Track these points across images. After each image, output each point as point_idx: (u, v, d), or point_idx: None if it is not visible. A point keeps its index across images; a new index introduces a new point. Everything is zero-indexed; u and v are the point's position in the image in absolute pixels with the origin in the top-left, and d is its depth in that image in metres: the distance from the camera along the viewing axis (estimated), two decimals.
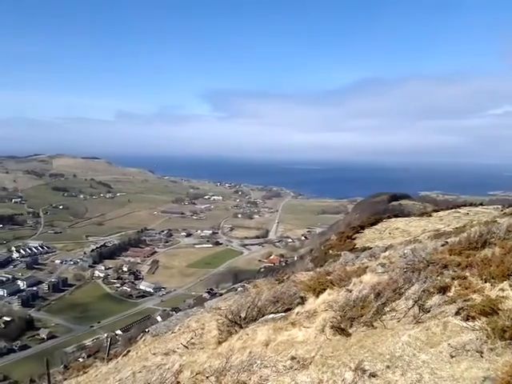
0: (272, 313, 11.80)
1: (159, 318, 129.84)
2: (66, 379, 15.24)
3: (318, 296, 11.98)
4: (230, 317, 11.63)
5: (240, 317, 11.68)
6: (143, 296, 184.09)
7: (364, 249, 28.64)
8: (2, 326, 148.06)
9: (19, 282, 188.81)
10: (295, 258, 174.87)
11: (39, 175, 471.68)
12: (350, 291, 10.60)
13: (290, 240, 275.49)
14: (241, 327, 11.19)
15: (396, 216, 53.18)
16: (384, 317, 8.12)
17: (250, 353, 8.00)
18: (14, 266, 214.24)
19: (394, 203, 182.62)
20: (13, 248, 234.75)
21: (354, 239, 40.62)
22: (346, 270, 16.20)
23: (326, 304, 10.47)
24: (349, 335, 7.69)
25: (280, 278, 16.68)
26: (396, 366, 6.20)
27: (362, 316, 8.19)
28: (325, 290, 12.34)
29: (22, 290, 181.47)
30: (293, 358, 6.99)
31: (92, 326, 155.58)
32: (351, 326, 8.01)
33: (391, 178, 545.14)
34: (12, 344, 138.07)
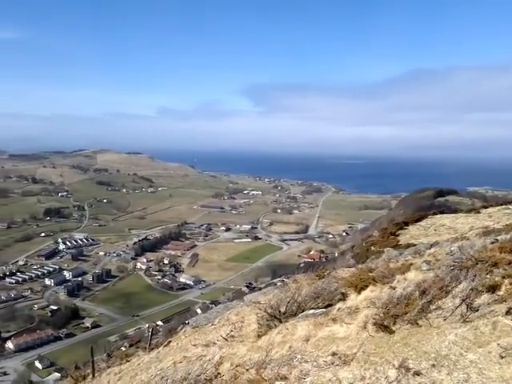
0: (312, 308, 11.75)
1: (199, 311, 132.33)
2: (109, 367, 15.77)
3: (359, 293, 11.83)
4: (269, 311, 11.68)
5: (279, 311, 11.70)
6: (183, 288, 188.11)
7: (408, 246, 27.95)
8: (49, 314, 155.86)
9: (65, 273, 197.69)
10: (336, 254, 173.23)
11: (84, 170, 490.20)
12: (394, 288, 10.38)
13: (330, 236, 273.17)
14: (280, 322, 11.21)
15: (442, 212, 51.39)
16: (429, 315, 7.91)
17: (290, 347, 8.01)
18: (61, 257, 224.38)
19: (440, 199, 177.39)
20: (59, 240, 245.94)
21: (398, 236, 39.69)
22: (389, 266, 15.89)
23: (369, 301, 10.31)
24: (392, 333, 7.54)
25: (320, 273, 16.54)
26: (442, 365, 6.02)
27: (406, 313, 8.01)
28: (367, 286, 12.16)
29: (68, 281, 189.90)
30: (334, 354, 6.93)
31: (137, 315, 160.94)
32: (395, 324, 7.85)
33: (437, 173, 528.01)
34: (58, 332, 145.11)
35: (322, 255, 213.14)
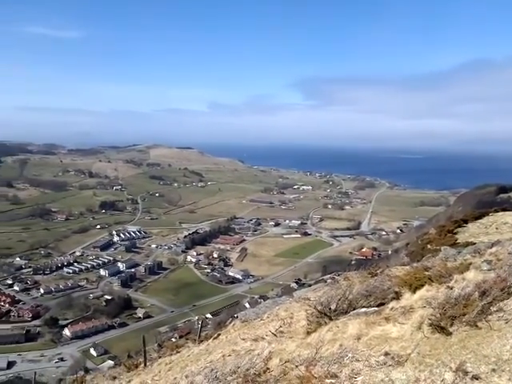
0: (364, 307, 11.56)
1: (247, 305, 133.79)
2: (160, 357, 16.30)
3: (414, 292, 11.49)
4: (319, 308, 11.60)
5: (330, 308, 11.60)
6: (232, 282, 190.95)
7: (467, 244, 26.78)
8: (104, 303, 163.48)
9: (119, 264, 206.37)
10: (389, 252, 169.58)
11: (138, 164, 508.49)
12: (451, 288, 10.00)
13: (383, 233, 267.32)
14: (330, 319, 11.12)
15: (505, 210, 48.59)
16: (490, 317, 7.55)
17: (341, 345, 7.93)
18: (115, 249, 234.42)
19: (502, 195, 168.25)
20: (114, 232, 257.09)
21: (456, 234, 38.08)
22: (446, 266, 15.31)
23: (424, 300, 10.00)
24: (449, 334, 7.28)
25: (373, 271, 16.23)
26: (503, 370, 5.74)
27: (464, 315, 7.70)
28: (422, 285, 11.79)
29: (122, 272, 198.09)
30: (386, 354, 6.79)
31: (194, 305, 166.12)
32: (452, 325, 7.57)
33: (500, 169, 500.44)
34: (112, 321, 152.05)
35: (374, 253, 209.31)
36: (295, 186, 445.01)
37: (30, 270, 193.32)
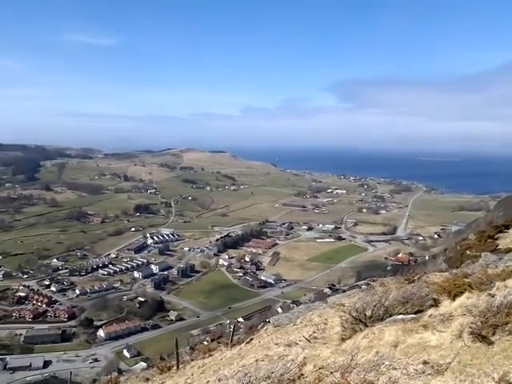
0: (400, 313, 11.32)
1: (280, 310, 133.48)
2: (193, 360, 16.46)
3: (453, 299, 11.16)
4: (354, 314, 11.44)
5: (365, 315, 11.42)
6: (264, 286, 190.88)
7: (508, 250, 25.81)
8: (137, 305, 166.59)
9: (152, 266, 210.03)
10: (426, 258, 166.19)
11: (171, 168, 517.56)
12: (493, 296, 9.67)
13: (420, 238, 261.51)
14: (366, 326, 10.95)
15: None
16: None
17: (377, 353, 7.79)
18: (148, 252, 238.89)
19: None
20: (148, 234, 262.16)
21: (497, 239, 36.76)
22: (486, 272, 14.81)
23: (464, 308, 9.70)
24: (491, 343, 7.03)
25: (410, 277, 15.87)
26: None
27: (507, 324, 7.43)
28: (462, 293, 11.44)
29: (155, 274, 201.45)
30: (425, 363, 6.62)
31: (230, 307, 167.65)
32: (494, 334, 7.31)
33: None
34: (145, 323, 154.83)
35: (410, 258, 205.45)
36: (329, 190, 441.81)
37: (66, 271, 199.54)
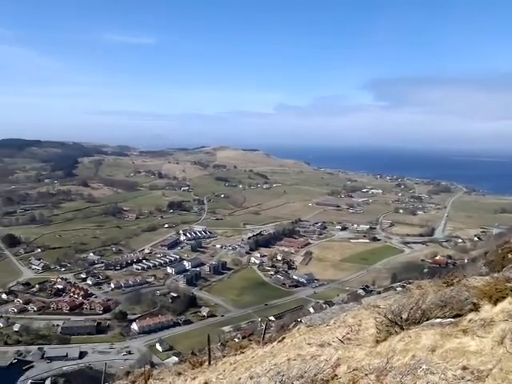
0: (438, 317, 11.07)
1: (312, 310, 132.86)
2: (224, 356, 16.57)
3: (495, 304, 10.80)
4: (389, 316, 11.25)
5: (401, 318, 11.22)
6: (296, 286, 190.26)
7: None
8: (170, 300, 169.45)
9: (185, 263, 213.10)
10: (465, 261, 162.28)
11: (204, 166, 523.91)
12: None
13: (459, 240, 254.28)
14: (401, 328, 10.75)
15: None
16: None
17: (414, 356, 7.62)
18: (181, 248, 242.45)
19: None
20: (180, 231, 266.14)
21: None
22: None
23: (506, 313, 9.38)
24: None
25: (449, 280, 15.45)
26: None
27: None
28: (504, 297, 11.05)
29: (187, 270, 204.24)
30: (464, 368, 6.43)
31: (266, 304, 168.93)
32: None
33: None
34: (177, 318, 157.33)
35: (449, 261, 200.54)
36: (364, 190, 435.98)
37: (102, 265, 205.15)
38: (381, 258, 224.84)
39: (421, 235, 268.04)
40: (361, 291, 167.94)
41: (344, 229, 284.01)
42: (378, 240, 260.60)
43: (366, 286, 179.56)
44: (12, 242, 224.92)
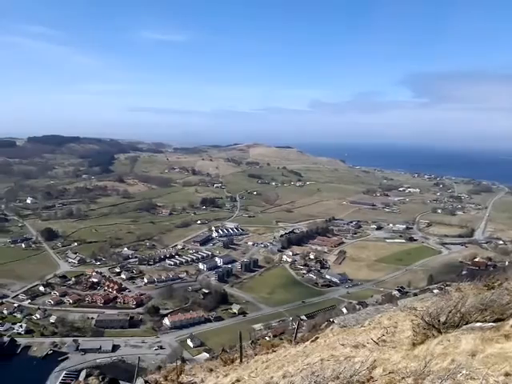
0: (478, 321, 10.74)
1: (344, 310, 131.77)
2: (256, 354, 16.64)
3: None
4: (427, 319, 11.02)
5: (439, 321, 10.96)
6: (328, 285, 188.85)
7: None
8: (202, 297, 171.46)
9: (217, 259, 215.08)
10: (506, 263, 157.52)
11: (237, 163, 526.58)
12: None
13: (500, 242, 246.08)
14: (439, 332, 10.50)
15: None
16: None
17: (453, 361, 7.43)
18: (213, 244, 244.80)
19: None
20: (213, 228, 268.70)
21: None
22: None
23: None
24: None
25: (489, 283, 14.99)
26: None
27: None
28: None
29: (219, 267, 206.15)
30: (507, 375, 6.22)
31: (303, 301, 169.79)
32: None
33: None
34: (208, 314, 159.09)
35: (489, 263, 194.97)
36: (401, 188, 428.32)
37: (135, 260, 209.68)
38: (417, 259, 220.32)
39: (460, 236, 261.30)
40: (396, 292, 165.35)
41: (379, 228, 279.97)
42: (415, 240, 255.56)
43: (402, 288, 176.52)
44: (50, 235, 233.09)
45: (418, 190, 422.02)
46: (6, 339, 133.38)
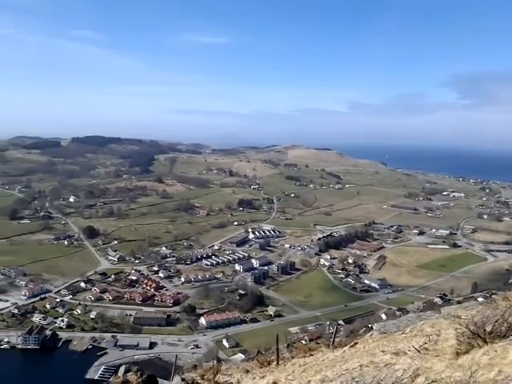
0: None
1: (384, 316, 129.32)
2: (293, 357, 16.57)
3: None
4: (472, 328, 10.67)
5: (484, 330, 10.60)
6: (367, 291, 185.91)
7: None
8: (237, 298, 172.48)
9: (253, 261, 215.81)
10: None
11: (275, 165, 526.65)
12: None
13: None
14: (485, 341, 10.15)
15: None
16: None
17: (500, 372, 7.18)
18: (250, 246, 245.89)
19: None
20: (249, 229, 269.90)
21: None
22: None
23: None
24: None
25: None
26: None
27: None
28: None
29: (255, 268, 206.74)
30: None
31: (346, 305, 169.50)
32: None
33: None
34: (244, 315, 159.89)
35: None
36: (445, 193, 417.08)
37: (173, 259, 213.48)
38: (461, 266, 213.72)
39: (507, 243, 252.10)
40: (438, 300, 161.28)
41: (421, 233, 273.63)
42: (459, 246, 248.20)
43: (444, 295, 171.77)
44: (91, 233, 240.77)
45: (462, 194, 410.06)
46: (48, 333, 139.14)
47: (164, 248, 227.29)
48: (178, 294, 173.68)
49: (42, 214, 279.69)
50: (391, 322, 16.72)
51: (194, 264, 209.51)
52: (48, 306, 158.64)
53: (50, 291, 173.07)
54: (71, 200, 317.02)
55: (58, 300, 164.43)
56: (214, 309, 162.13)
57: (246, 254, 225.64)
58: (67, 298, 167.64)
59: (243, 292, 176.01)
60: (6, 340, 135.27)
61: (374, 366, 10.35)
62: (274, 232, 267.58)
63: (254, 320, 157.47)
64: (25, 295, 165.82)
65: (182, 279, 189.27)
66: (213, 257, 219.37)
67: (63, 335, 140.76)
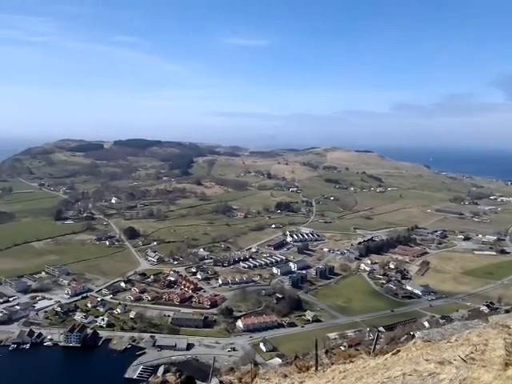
0: None
1: (426, 324, 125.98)
2: (332, 363, 16.36)
3: None
4: None
5: None
6: (409, 297, 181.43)
7: None
8: (275, 301, 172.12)
9: (291, 264, 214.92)
10: None
11: (314, 167, 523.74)
12: None
13: None
14: None
15: None
16: None
17: None
18: (287, 249, 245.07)
19: None
20: (287, 232, 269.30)
21: None
22: None
23: None
24: None
25: None
26: None
27: None
28: None
29: (293, 272, 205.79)
30: None
31: (392, 310, 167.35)
32: None
33: None
34: (281, 319, 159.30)
35: None
36: (492, 197, 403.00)
37: (211, 261, 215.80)
38: (509, 273, 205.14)
39: None
40: (484, 308, 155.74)
41: (467, 239, 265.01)
42: (507, 253, 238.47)
43: (491, 303, 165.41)
44: (132, 234, 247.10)
45: (511, 198, 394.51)
46: (89, 331, 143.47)
47: (202, 250, 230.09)
48: (216, 295, 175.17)
49: (84, 214, 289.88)
50: (435, 329, 16.24)
51: (232, 266, 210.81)
52: (89, 305, 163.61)
53: (92, 290, 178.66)
54: (113, 201, 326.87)
55: (98, 299, 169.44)
56: (251, 312, 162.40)
57: (284, 258, 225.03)
58: (108, 298, 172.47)
59: (281, 296, 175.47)
60: (49, 337, 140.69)
61: (417, 374, 10.07)
62: (313, 235, 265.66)
63: (292, 324, 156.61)
64: (67, 294, 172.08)
65: (220, 281, 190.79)
66: (250, 259, 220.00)
67: (103, 334, 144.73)
